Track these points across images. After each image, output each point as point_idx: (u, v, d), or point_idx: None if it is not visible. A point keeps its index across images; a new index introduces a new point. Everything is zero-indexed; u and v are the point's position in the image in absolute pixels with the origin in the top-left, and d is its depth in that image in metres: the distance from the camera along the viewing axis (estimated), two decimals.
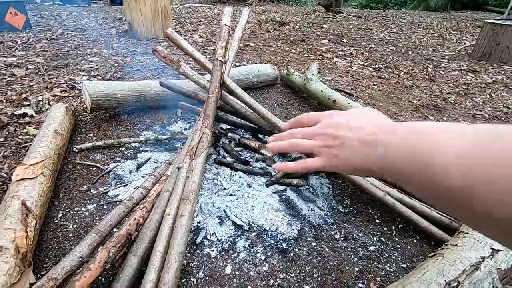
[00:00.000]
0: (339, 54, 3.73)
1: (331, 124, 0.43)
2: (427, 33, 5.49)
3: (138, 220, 0.98)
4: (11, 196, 1.00)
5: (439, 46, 4.48)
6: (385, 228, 1.19)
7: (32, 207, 0.98)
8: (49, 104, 1.96)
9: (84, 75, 2.46)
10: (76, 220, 1.12)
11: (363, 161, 0.38)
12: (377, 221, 1.22)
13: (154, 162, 1.46)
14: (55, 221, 1.11)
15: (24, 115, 1.80)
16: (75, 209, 1.17)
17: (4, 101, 1.95)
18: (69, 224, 1.11)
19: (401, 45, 4.43)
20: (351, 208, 1.28)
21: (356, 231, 1.16)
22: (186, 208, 0.95)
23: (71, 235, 1.06)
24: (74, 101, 2.02)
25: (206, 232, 1.09)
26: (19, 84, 2.21)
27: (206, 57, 2.53)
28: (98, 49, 3.28)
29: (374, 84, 2.75)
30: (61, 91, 2.14)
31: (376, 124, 0.39)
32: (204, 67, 1.56)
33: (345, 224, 1.19)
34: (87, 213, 1.16)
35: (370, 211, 1.27)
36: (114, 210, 0.99)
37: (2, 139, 1.56)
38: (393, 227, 1.20)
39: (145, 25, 3.83)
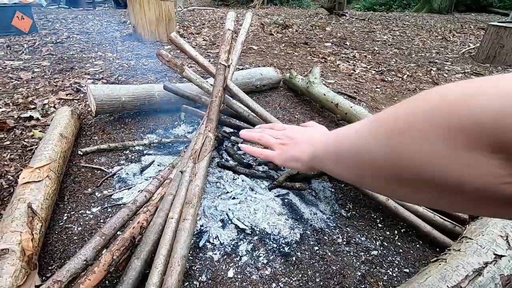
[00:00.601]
0: (342, 57, 3.74)
1: (291, 130, 0.61)
2: (430, 36, 5.48)
3: (142, 223, 0.99)
4: (18, 199, 1.01)
5: (442, 49, 4.47)
6: (388, 233, 1.19)
7: (38, 210, 1.00)
8: (54, 107, 1.99)
9: (89, 78, 2.49)
10: (81, 223, 1.14)
11: (299, 152, 0.54)
12: (380, 225, 1.22)
13: (158, 165, 1.47)
14: (60, 224, 1.13)
15: (30, 118, 1.82)
16: (80, 212, 1.19)
17: (11, 104, 1.98)
18: (74, 226, 1.12)
19: (404, 48, 4.43)
20: (354, 212, 1.28)
21: (359, 235, 1.17)
22: (189, 211, 0.96)
23: (75, 237, 1.08)
24: (79, 105, 2.05)
25: (209, 235, 1.09)
26: (25, 88, 2.25)
27: (209, 60, 2.55)
28: (103, 52, 3.32)
29: (377, 87, 2.75)
30: (67, 95, 2.17)
31: (322, 132, 0.57)
32: (207, 71, 1.57)
33: (347, 228, 1.19)
34: (91, 216, 1.17)
35: (373, 215, 1.27)
36: (118, 213, 1.00)
37: (8, 142, 1.59)
38: (396, 232, 1.20)
39: (149, 28, 3.87)
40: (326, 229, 1.18)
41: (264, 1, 11.21)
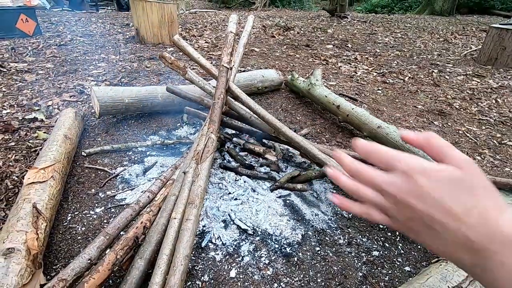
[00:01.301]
0: (344, 59, 3.75)
1: (410, 191, 0.31)
2: (432, 38, 5.48)
3: (145, 223, 1.00)
4: (23, 199, 1.03)
5: (444, 51, 4.47)
6: (389, 234, 1.19)
7: (43, 210, 1.01)
8: (58, 109, 2.01)
9: (92, 80, 2.52)
10: (85, 223, 1.15)
11: (440, 244, 0.32)
12: (381, 226, 1.23)
13: (161, 166, 1.48)
14: (64, 224, 1.14)
15: (35, 119, 1.85)
16: (84, 212, 1.20)
17: (15, 106, 2.01)
18: (77, 226, 1.13)
19: (406, 50, 4.43)
20: None
21: (360, 236, 1.17)
22: (192, 212, 0.97)
23: (79, 237, 1.09)
24: (82, 106, 2.07)
25: (211, 236, 1.10)
26: (29, 89, 2.27)
27: (212, 63, 2.57)
28: (106, 54, 3.35)
29: (378, 89, 2.76)
30: (70, 96, 2.19)
31: (476, 211, 0.29)
32: (210, 73, 1.59)
33: (349, 229, 1.20)
34: (95, 216, 1.19)
35: None
36: (121, 214, 1.01)
37: (13, 143, 1.61)
38: (397, 233, 1.20)
39: (151, 30, 3.90)
40: (328, 230, 1.19)
41: (266, 3, 11.26)
